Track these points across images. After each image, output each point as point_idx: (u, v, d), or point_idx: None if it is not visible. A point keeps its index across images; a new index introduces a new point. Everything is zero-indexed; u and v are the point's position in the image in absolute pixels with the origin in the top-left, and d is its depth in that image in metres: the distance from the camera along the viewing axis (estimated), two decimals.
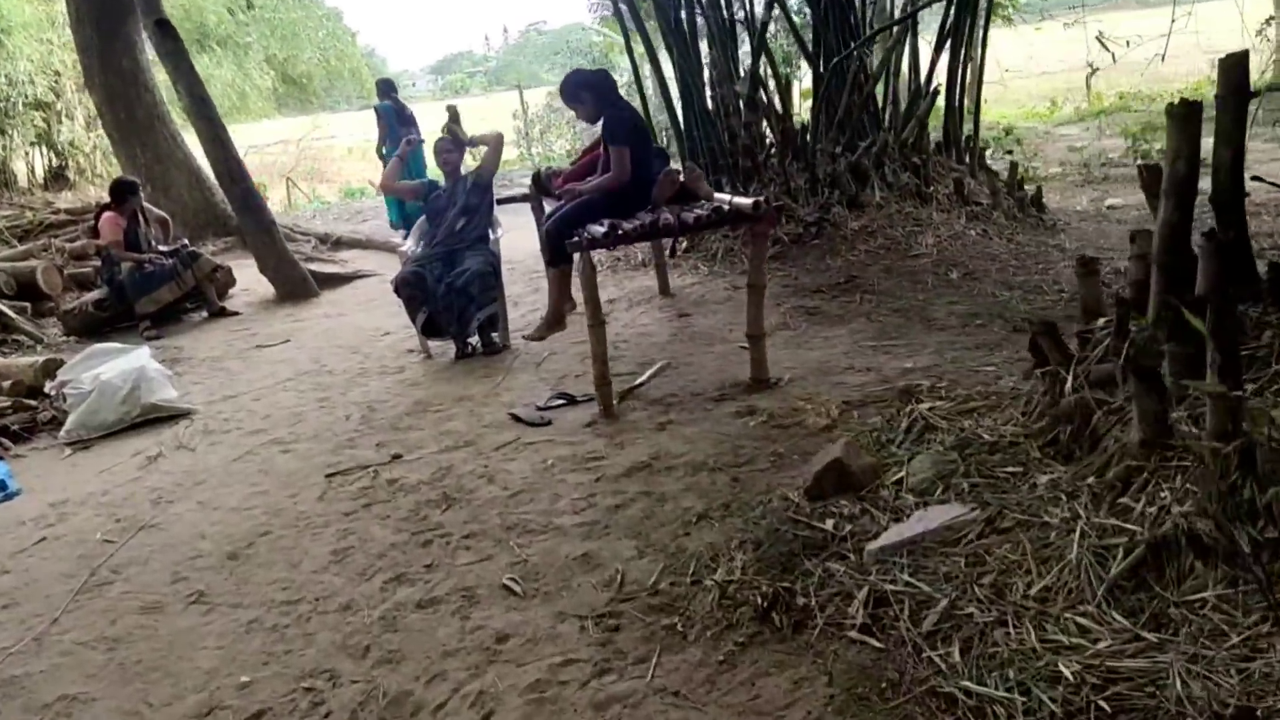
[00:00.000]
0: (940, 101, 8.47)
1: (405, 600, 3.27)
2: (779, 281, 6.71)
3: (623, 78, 21.51)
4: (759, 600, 2.70)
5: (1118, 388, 2.83)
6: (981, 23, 8.22)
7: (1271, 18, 16.16)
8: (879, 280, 6.61)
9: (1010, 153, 11.67)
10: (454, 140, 6.39)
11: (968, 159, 8.16)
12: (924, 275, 6.61)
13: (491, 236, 6.39)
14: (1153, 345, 2.79)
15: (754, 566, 2.90)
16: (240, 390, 6.13)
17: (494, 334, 6.20)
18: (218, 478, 4.66)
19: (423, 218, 6.64)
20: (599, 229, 4.54)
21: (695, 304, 6.64)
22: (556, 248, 4.86)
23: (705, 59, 7.93)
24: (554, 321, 5.36)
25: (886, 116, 8.14)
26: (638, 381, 5.14)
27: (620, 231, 4.44)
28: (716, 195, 4.87)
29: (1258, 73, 17.06)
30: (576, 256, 4.84)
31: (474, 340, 6.19)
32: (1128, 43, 9.32)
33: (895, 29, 7.97)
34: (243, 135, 18.60)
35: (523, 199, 6.70)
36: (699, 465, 3.93)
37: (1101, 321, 3.25)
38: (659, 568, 3.16)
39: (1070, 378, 2.95)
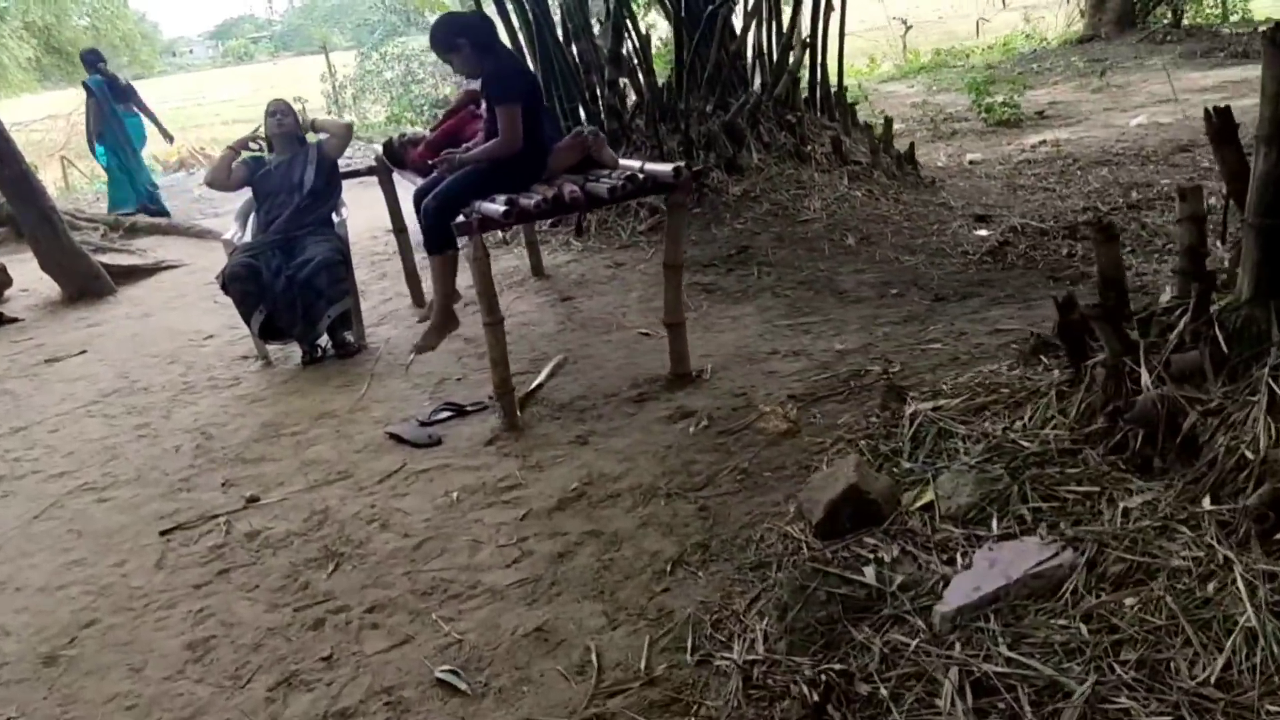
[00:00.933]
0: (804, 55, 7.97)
1: (304, 715, 2.44)
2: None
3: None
4: (805, 690, 2.04)
5: (1207, 381, 2.32)
6: None
7: None
8: (772, 250, 6.06)
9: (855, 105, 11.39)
10: (287, 107, 5.38)
11: (839, 115, 7.71)
12: (819, 242, 6.10)
13: (335, 219, 5.44)
14: (1251, 327, 2.29)
15: (783, 639, 2.25)
16: (32, 420, 4.97)
17: (347, 333, 5.28)
18: (15, 544, 3.62)
19: (247, 198, 5.59)
20: (494, 206, 3.74)
21: (576, 285, 5.90)
22: (440, 230, 4.03)
23: (557, 9, 7.12)
24: (444, 322, 4.44)
25: (755, 71, 7.58)
26: (536, 383, 4.38)
27: (523, 208, 3.65)
28: (622, 162, 4.15)
29: (1065, 26, 17.54)
30: (464, 240, 4.06)
31: (324, 342, 5.25)
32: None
33: None
34: (3, 112, 16.35)
35: (368, 172, 5.76)
36: (648, 491, 3.24)
37: (1165, 299, 2.74)
38: (643, 642, 2.46)
39: (1144, 370, 2.41)
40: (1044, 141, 9.31)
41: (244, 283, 5.00)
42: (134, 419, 4.75)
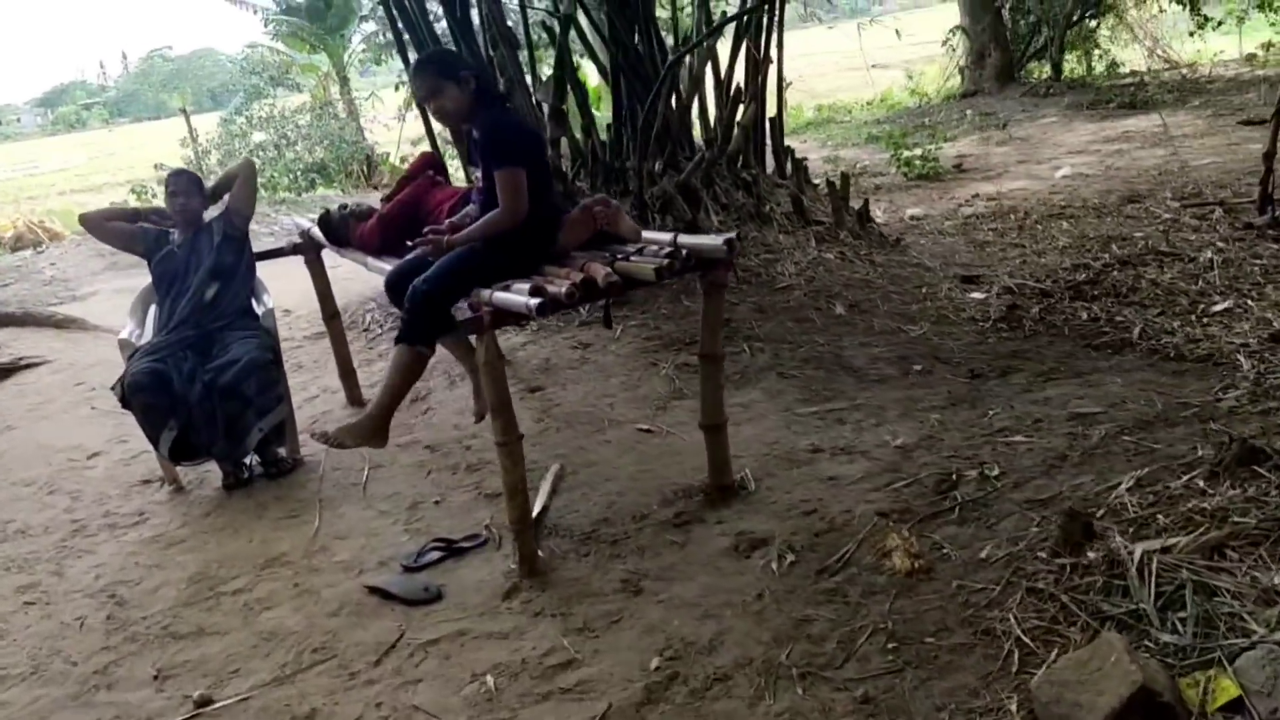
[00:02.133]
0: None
1: None
2: (637, 333, 5.33)
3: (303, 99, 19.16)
4: None
5: None
6: (778, 18, 7.28)
7: (957, 27, 16.92)
8: (756, 322, 5.40)
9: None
10: (190, 182, 4.45)
11: (791, 172, 7.19)
12: (805, 311, 5.48)
13: (259, 308, 4.51)
14: None
15: None
16: None
17: (281, 449, 4.34)
18: None
19: (144, 287, 4.61)
20: (513, 296, 2.94)
21: (542, 372, 5.09)
22: (427, 321, 3.22)
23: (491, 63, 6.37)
24: (375, 429, 3.51)
25: (698, 127, 6.99)
26: (539, 504, 3.57)
27: (553, 297, 2.86)
28: (646, 234, 3.42)
29: (943, 80, 17.77)
30: (452, 337, 3.27)
31: (250, 459, 4.29)
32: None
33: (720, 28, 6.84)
34: None
35: (294, 252, 4.84)
36: (767, 669, 2.47)
37: None
38: None
39: None
40: (977, 195, 9.05)
41: (150, 394, 4.02)
42: (14, 578, 3.69)
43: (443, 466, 4.16)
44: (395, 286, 3.52)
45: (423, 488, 3.99)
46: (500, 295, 2.98)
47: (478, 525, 3.57)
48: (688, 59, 6.65)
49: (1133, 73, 15.90)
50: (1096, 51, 17.01)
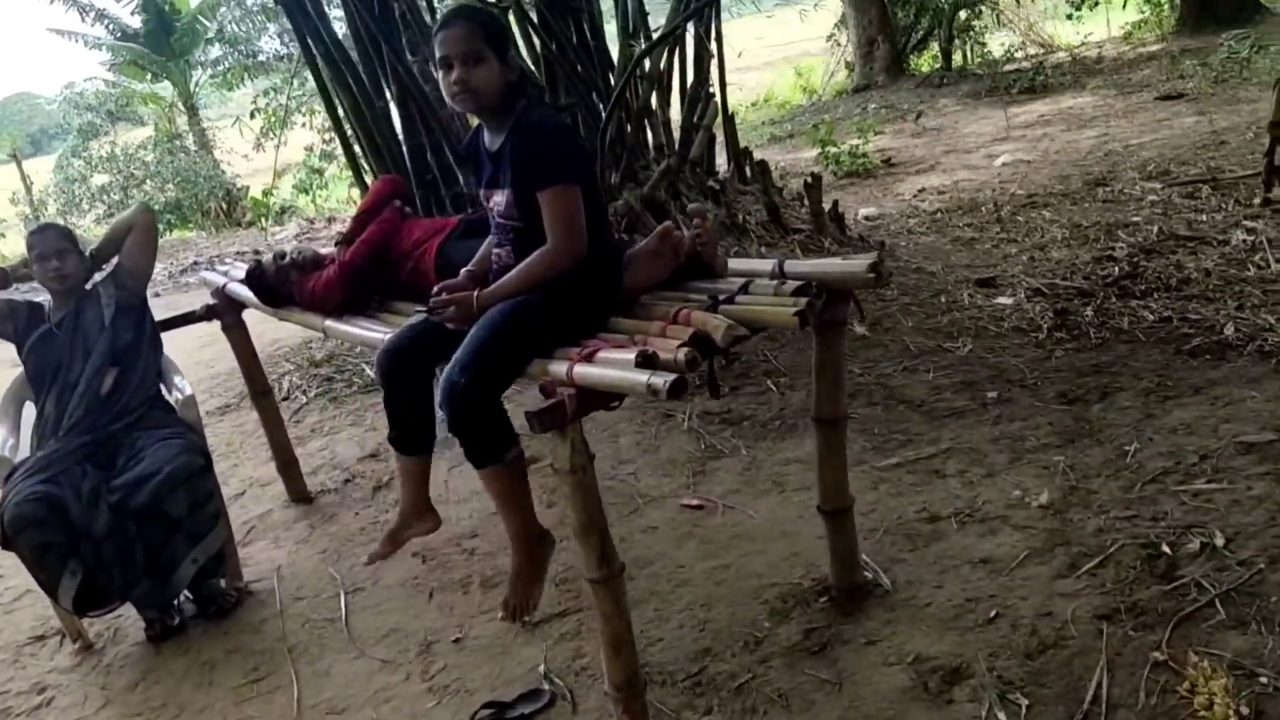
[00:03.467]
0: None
1: None
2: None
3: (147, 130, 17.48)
4: None
5: None
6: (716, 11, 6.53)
7: (840, 22, 16.60)
8: (770, 352, 4.60)
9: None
10: (62, 237, 3.36)
11: (754, 176, 6.41)
12: None
13: (173, 395, 3.44)
14: None
15: None
16: None
17: (221, 580, 3.29)
18: None
19: (14, 381, 3.47)
20: (612, 371, 2.01)
21: (526, 434, 4.14)
22: (489, 423, 2.31)
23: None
24: (532, 570, 2.62)
25: (649, 133, 6.14)
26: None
27: (676, 364, 1.96)
28: (735, 264, 2.55)
29: (828, 76, 17.45)
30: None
31: (185, 600, 3.24)
32: None
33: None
34: None
35: (207, 316, 3.76)
36: None
37: None
38: None
39: None
40: (923, 190, 8.50)
41: (41, 529, 2.93)
42: None
43: (447, 583, 3.20)
44: (404, 363, 2.54)
45: (429, 618, 3.02)
46: (590, 370, 2.06)
47: (531, 673, 2.63)
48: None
49: (1029, 57, 15.82)
50: (974, 39, 16.93)
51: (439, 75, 2.41)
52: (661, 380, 1.88)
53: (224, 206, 15.13)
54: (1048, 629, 2.36)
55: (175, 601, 3.22)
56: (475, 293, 2.39)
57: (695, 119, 5.96)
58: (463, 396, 2.22)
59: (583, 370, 2.08)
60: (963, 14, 16.25)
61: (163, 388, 3.47)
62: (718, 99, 6.34)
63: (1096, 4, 15.86)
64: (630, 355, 2.02)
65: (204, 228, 14.52)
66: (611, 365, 2.05)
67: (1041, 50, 16.65)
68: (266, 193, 14.79)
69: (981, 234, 6.51)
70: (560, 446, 2.07)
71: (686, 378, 1.92)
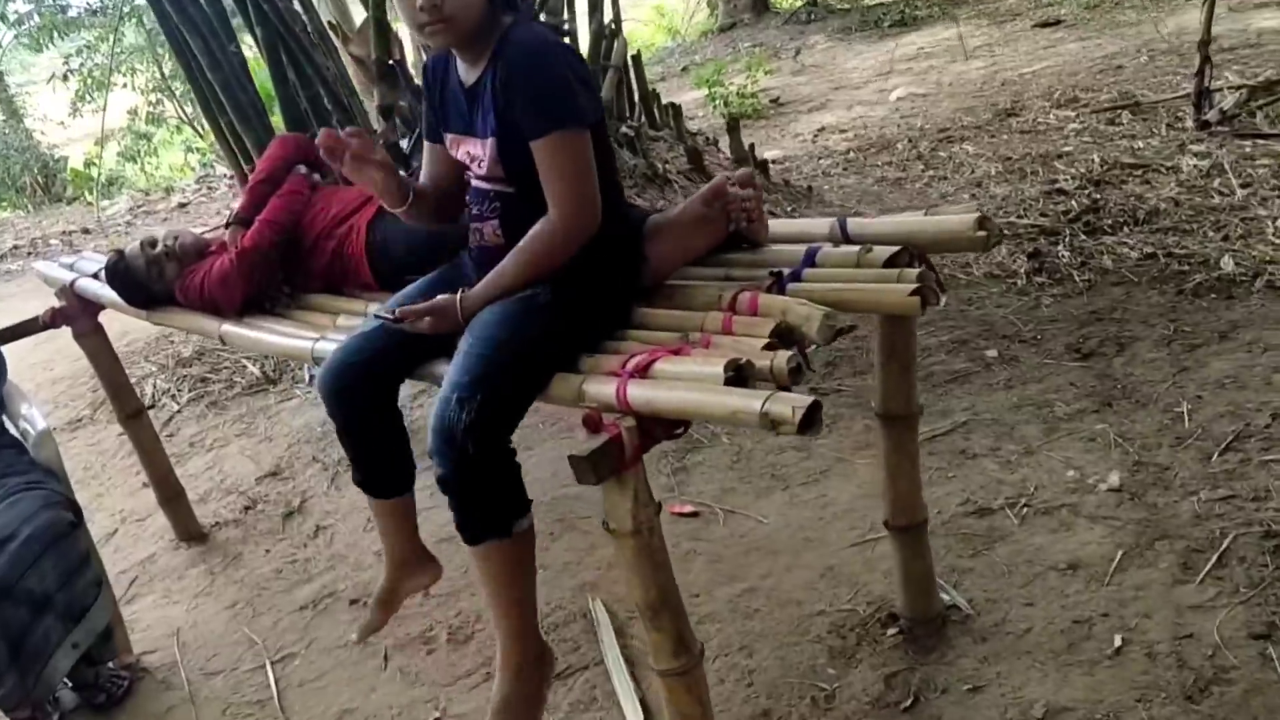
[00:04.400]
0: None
1: None
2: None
3: None
4: None
5: None
6: None
7: None
8: None
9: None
10: None
11: (664, 119, 5.83)
12: None
13: (19, 428, 2.67)
14: None
15: None
16: None
17: (109, 664, 2.58)
18: None
19: None
20: (692, 393, 1.43)
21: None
22: (498, 482, 1.68)
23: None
24: (533, 679, 1.88)
25: None
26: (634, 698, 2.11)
27: (775, 373, 1.40)
28: (775, 225, 1.98)
29: (688, 16, 16.93)
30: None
31: (65, 695, 2.52)
32: None
33: None
34: None
35: (53, 323, 2.95)
36: None
37: None
38: None
39: None
40: (822, 129, 8.10)
41: None
42: None
43: (403, 640, 2.58)
44: (358, 385, 1.88)
45: (390, 691, 2.40)
46: (654, 392, 1.47)
47: None
48: None
49: None
50: None
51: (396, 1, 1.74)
52: (786, 409, 1.31)
53: (41, 181, 13.54)
54: (1197, 657, 1.93)
55: (58, 698, 2.50)
56: (458, 296, 1.75)
57: (602, 59, 5.32)
58: (465, 440, 1.60)
59: (643, 392, 1.49)
60: None
61: (5, 420, 2.69)
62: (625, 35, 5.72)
63: None
64: (708, 366, 1.44)
65: (20, 206, 12.97)
66: (684, 382, 1.47)
67: None
68: (89, 163, 13.28)
69: (906, 173, 6.13)
70: (618, 499, 1.49)
71: (820, 403, 1.36)
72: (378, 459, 2.02)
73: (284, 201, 2.47)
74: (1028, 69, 8.65)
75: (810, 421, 1.30)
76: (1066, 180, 5.10)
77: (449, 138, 1.89)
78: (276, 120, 5.11)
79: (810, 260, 1.81)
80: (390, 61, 4.50)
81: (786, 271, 1.77)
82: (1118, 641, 2.02)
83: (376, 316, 1.82)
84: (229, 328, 2.42)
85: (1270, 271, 3.56)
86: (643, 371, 1.53)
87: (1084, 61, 8.40)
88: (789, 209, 5.23)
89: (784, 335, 1.57)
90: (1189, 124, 5.56)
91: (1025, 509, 2.55)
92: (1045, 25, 10.49)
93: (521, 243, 1.73)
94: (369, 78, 4.69)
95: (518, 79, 1.67)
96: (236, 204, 2.63)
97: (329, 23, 4.80)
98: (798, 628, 2.31)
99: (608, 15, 5.58)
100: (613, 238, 1.77)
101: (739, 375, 1.43)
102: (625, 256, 1.82)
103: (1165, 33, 8.65)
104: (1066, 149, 5.75)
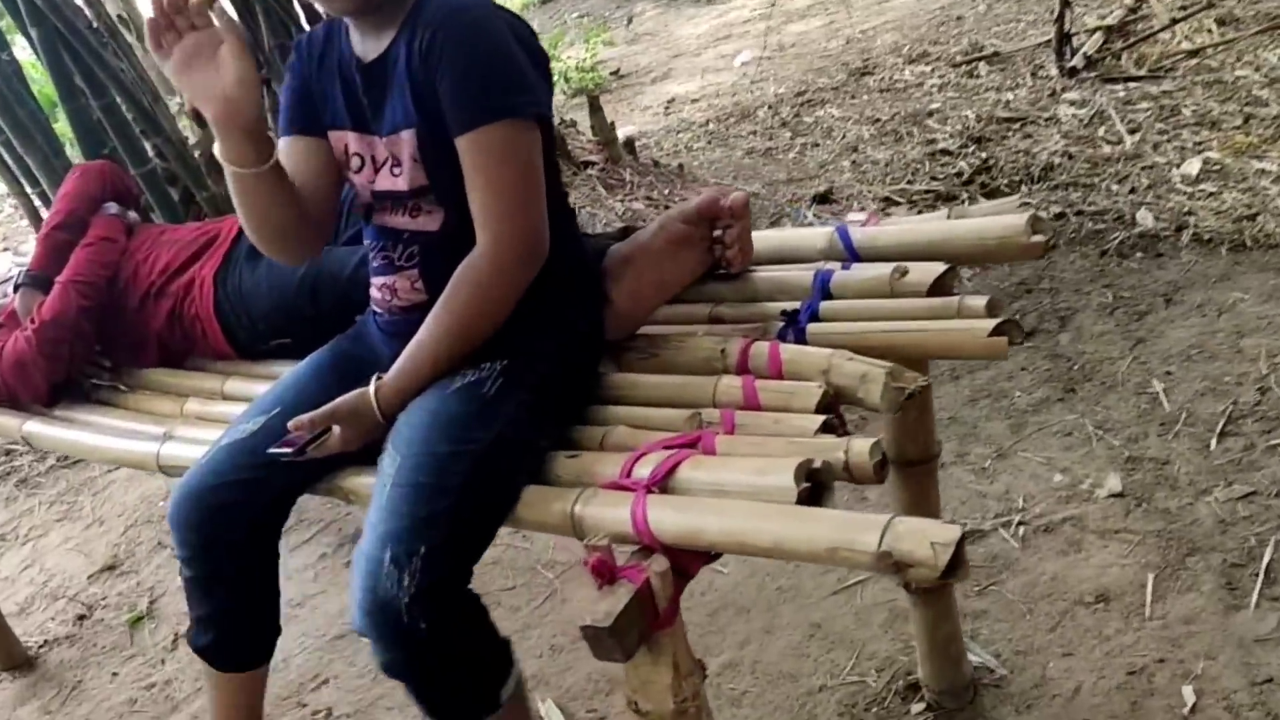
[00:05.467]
0: None
1: None
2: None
3: None
4: None
5: None
6: None
7: None
8: None
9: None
10: None
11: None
12: None
13: None
14: None
15: None
16: None
17: None
18: None
19: None
20: (696, 510, 1.00)
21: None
22: (463, 658, 1.19)
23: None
24: None
25: None
26: None
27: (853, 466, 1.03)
28: (771, 234, 1.54)
29: None
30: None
31: None
32: None
33: None
34: None
35: None
36: None
37: None
38: None
39: None
40: (673, 100, 7.74)
41: None
42: None
43: None
44: (224, 518, 1.35)
45: None
46: (691, 518, 1.03)
47: None
48: None
49: None
50: None
51: None
52: (922, 547, 0.90)
53: None
54: None
55: None
56: (372, 388, 1.26)
57: None
58: (413, 619, 1.11)
59: (674, 517, 1.06)
60: None
61: None
62: None
63: None
64: (769, 475, 1.02)
65: None
66: (733, 497, 1.04)
67: None
68: None
69: (774, 141, 5.82)
70: (651, 673, 1.05)
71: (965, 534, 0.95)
72: (239, 621, 1.50)
73: (93, 253, 1.89)
74: (867, 25, 8.51)
75: (957, 564, 0.90)
76: (946, 139, 4.89)
77: (330, 135, 1.39)
78: (62, 128, 4.38)
79: (824, 289, 1.41)
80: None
81: (793, 307, 1.36)
82: (1190, 696, 1.72)
83: (271, 454, 1.28)
84: (34, 426, 1.84)
85: (1189, 223, 3.39)
86: (663, 481, 1.09)
87: (922, 15, 8.31)
88: (666, 192, 4.84)
89: (830, 404, 1.16)
90: (1053, 72, 5.44)
91: (1022, 527, 2.25)
92: None
93: (444, 296, 1.25)
94: None
95: (449, 48, 1.20)
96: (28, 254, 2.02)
97: (119, 16, 4.08)
98: (801, 711, 1.93)
99: None
100: (568, 276, 1.32)
101: (813, 482, 1.01)
102: (587, 301, 1.36)
103: None
104: (934, 106, 5.56)
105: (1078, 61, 5.32)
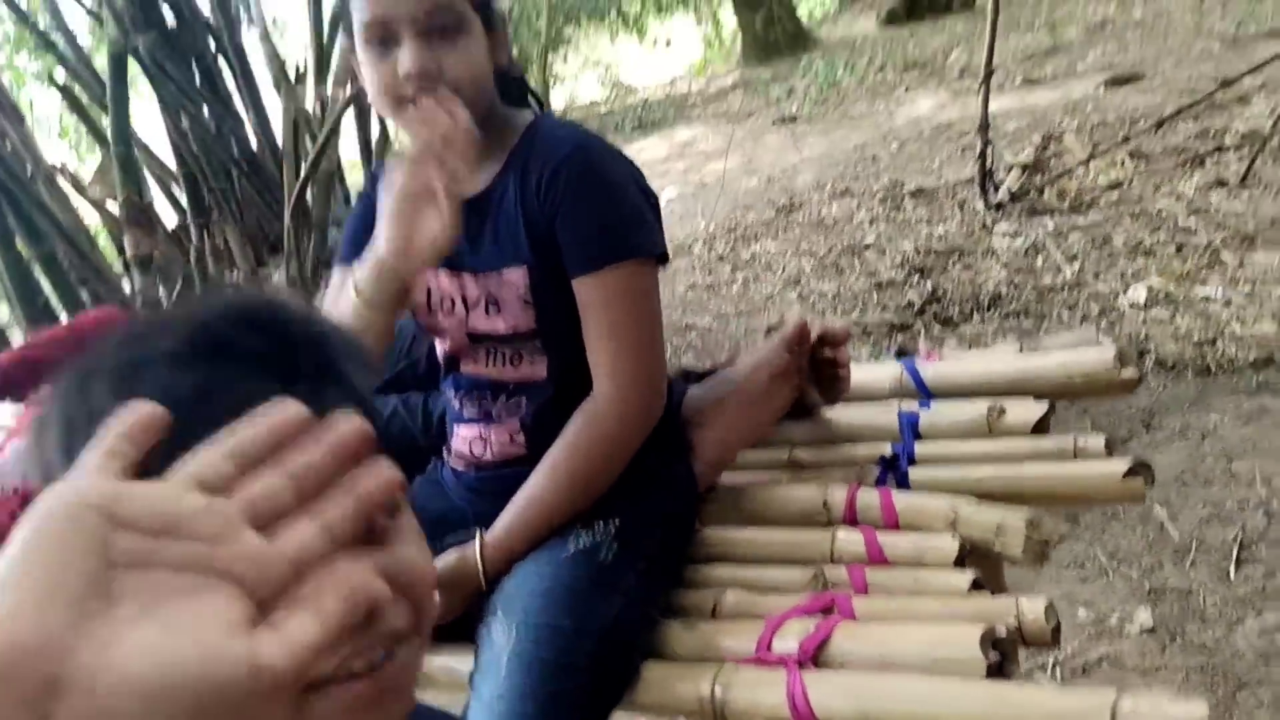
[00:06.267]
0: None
1: None
2: None
3: None
4: None
5: None
6: None
7: None
8: None
9: None
10: None
11: None
12: None
13: None
14: None
15: None
16: None
17: None
18: None
19: None
20: None
21: None
22: None
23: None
24: None
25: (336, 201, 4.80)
26: None
27: None
28: (861, 372, 1.47)
29: None
30: None
31: None
32: None
33: None
34: None
35: None
36: None
37: None
38: None
39: None
40: None
41: None
42: None
43: None
44: None
45: None
46: (855, 701, 0.92)
47: None
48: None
49: (615, 97, 15.93)
50: (558, 80, 16.88)
51: (362, 56, 1.16)
52: None
53: None
54: None
55: None
56: (475, 549, 1.13)
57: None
58: None
59: (846, 700, 0.93)
60: (550, 57, 16.06)
61: None
62: None
63: (669, 43, 16.39)
64: (949, 646, 0.92)
65: None
66: (901, 671, 0.93)
67: (624, 89, 16.90)
68: None
69: (714, 276, 5.88)
70: None
71: None
72: None
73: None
74: (786, 163, 8.81)
75: None
76: (888, 271, 4.99)
77: (438, 282, 1.28)
78: None
79: (913, 430, 1.33)
80: (144, 202, 3.72)
81: (898, 450, 1.28)
82: None
83: None
84: None
85: (1154, 350, 3.48)
86: (815, 655, 0.97)
87: (836, 153, 8.64)
88: None
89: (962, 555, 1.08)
90: (979, 206, 5.65)
91: (1058, 668, 2.16)
92: (784, 121, 10.86)
93: (562, 447, 1.14)
94: (113, 224, 3.86)
95: (571, 185, 1.13)
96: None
97: (58, 166, 3.93)
98: None
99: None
100: (664, 424, 1.22)
101: (998, 651, 0.91)
102: (681, 451, 1.27)
103: (900, 122, 9.11)
104: (868, 240, 5.70)
105: (1002, 196, 5.54)
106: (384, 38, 1.13)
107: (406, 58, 1.12)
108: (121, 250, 4.04)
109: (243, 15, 4.73)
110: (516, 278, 1.19)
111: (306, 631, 0.38)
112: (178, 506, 0.40)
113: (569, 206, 1.14)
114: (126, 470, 0.41)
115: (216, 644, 0.37)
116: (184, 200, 4.34)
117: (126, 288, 3.94)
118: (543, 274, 1.17)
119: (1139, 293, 3.95)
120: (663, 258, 1.21)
